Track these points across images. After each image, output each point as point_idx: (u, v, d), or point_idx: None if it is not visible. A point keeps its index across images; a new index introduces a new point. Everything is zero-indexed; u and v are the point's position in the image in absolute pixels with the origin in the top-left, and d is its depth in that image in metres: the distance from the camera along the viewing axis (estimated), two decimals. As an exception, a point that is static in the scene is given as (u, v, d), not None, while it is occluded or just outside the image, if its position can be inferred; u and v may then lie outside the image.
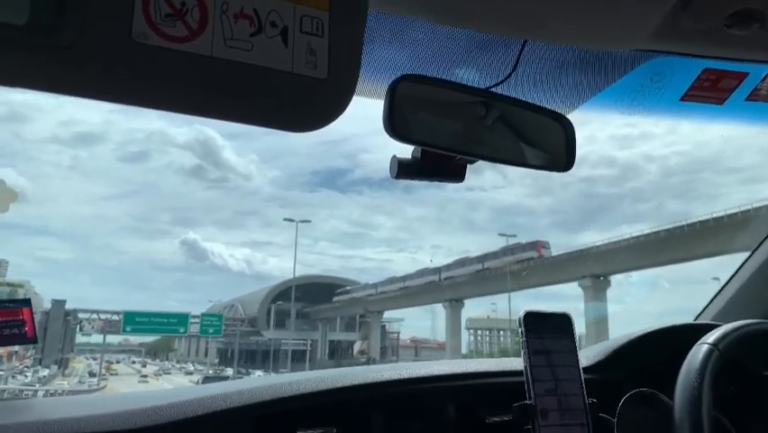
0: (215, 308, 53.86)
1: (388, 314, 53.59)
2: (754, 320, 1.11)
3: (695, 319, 1.70)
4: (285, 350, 51.41)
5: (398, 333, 57.30)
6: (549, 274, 35.41)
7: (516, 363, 1.16)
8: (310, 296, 55.81)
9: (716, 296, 1.69)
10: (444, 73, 1.11)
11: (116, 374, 48.90)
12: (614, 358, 1.32)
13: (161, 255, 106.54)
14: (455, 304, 43.13)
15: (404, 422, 1.14)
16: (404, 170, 0.94)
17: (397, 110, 0.84)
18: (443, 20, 0.88)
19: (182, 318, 41.48)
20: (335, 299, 54.96)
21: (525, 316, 1.14)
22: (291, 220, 42.75)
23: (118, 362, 65.66)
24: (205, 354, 60.68)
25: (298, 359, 50.97)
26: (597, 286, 32.04)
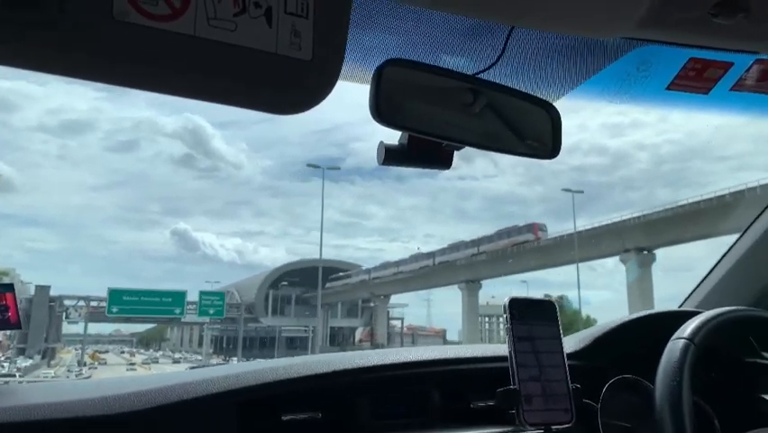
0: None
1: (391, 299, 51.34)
2: (730, 308, 1.13)
3: (679, 306, 1.72)
4: (286, 337, 49.04)
5: (402, 319, 55.05)
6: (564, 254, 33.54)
7: (501, 349, 1.17)
8: (310, 281, 52.27)
9: (700, 283, 1.71)
10: (431, 58, 1.10)
11: (105, 363, 48.47)
12: (598, 345, 1.33)
13: (152, 246, 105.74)
14: (472, 285, 40.25)
15: (389, 407, 1.15)
16: (391, 156, 0.94)
17: (384, 95, 0.83)
18: (430, 4, 0.88)
19: (178, 297, 35.45)
20: (328, 285, 52.61)
21: (510, 302, 1.14)
22: (317, 167, 40.89)
23: (107, 351, 65.22)
24: (199, 344, 58.25)
25: (299, 346, 48.89)
26: (642, 260, 29.74)
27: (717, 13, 0.87)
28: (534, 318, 1.14)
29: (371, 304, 52.63)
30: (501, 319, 1.15)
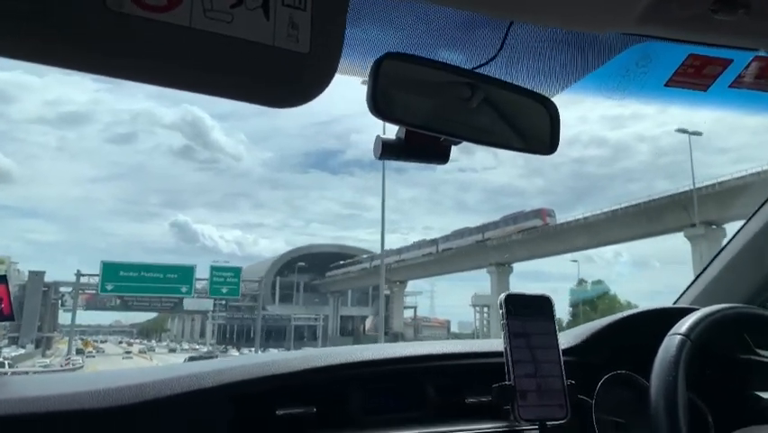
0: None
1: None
2: (726, 305, 1.13)
3: (675, 302, 1.72)
4: (296, 326, 45.65)
5: (415, 307, 52.12)
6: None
7: (497, 345, 1.17)
8: (317, 267, 49.96)
9: (696, 279, 1.71)
10: (429, 52, 1.09)
11: (103, 352, 48.36)
12: (593, 341, 1.33)
13: (151, 237, 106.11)
14: (503, 269, 37.00)
15: (384, 402, 1.15)
16: (388, 149, 0.94)
17: (381, 88, 0.83)
18: None
19: (185, 273, 29.76)
20: (339, 270, 49.86)
21: (505, 298, 1.15)
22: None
23: (105, 341, 65.16)
24: (201, 335, 56.05)
25: (309, 337, 46.30)
26: (710, 235, 25.71)
27: (717, 10, 0.86)
28: (529, 314, 1.15)
29: (386, 291, 48.75)
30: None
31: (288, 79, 0.60)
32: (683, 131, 28.33)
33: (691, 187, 26.91)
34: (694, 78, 1.22)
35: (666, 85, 1.24)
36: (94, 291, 34.00)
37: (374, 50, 1.02)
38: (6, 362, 24.90)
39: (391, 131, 0.94)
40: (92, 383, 0.99)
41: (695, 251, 26.10)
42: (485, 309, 48.62)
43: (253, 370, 1.07)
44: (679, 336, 1.04)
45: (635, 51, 1.13)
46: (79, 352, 38.72)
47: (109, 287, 28.80)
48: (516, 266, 38.59)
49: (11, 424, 0.87)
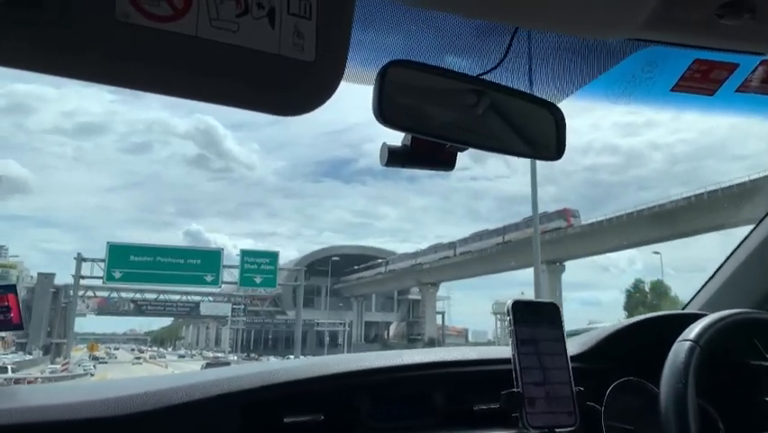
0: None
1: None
2: (735, 310, 1.12)
3: (683, 308, 1.71)
4: (317, 331, 43.03)
5: (443, 313, 49.23)
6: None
7: (505, 352, 1.17)
8: (339, 271, 47.06)
9: (704, 285, 1.70)
10: (435, 59, 1.10)
11: (116, 358, 48.52)
12: (601, 347, 1.33)
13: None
14: (554, 267, 34.23)
15: (392, 409, 1.15)
16: (394, 157, 0.94)
17: (387, 96, 0.83)
18: (433, 5, 0.88)
19: (210, 258, 23.46)
20: (362, 274, 47.27)
21: (513, 305, 1.14)
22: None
23: (118, 348, 65.58)
24: (216, 343, 54.82)
25: (331, 344, 43.13)
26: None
27: (722, 14, 0.86)
28: (537, 321, 1.14)
29: (408, 296, 47.72)
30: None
31: (293, 88, 0.61)
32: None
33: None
34: (700, 83, 1.21)
35: (672, 90, 1.24)
36: (106, 295, 31.26)
37: (381, 56, 1.03)
38: (10, 367, 23.89)
39: (397, 138, 0.94)
40: (102, 392, 1.00)
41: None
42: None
43: (261, 378, 1.07)
44: (688, 342, 1.03)
45: (641, 57, 1.12)
46: (93, 358, 37.80)
47: (117, 274, 23.06)
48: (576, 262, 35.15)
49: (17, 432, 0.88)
